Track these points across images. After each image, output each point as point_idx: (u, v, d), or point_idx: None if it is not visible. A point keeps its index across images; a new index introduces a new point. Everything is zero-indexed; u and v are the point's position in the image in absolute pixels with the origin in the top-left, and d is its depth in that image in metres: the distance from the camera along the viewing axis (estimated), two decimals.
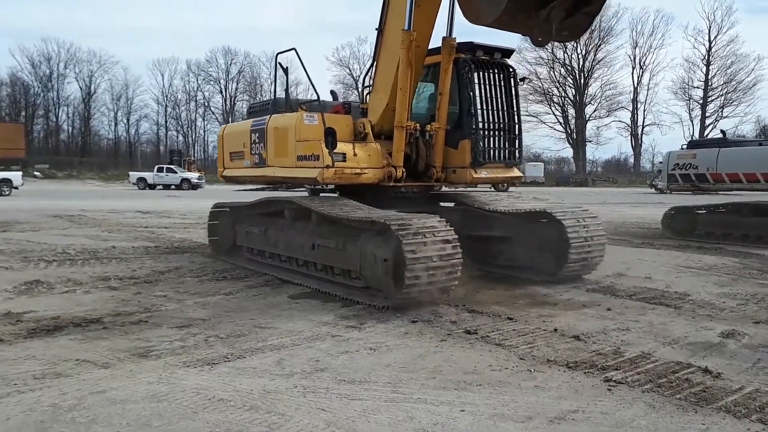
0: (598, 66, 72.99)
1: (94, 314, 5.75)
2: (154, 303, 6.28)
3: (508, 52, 8.33)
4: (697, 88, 71.14)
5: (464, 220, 7.95)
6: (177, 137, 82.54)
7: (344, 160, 7.23)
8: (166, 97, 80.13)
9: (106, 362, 4.30)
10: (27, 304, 6.14)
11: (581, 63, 73.21)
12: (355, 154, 7.35)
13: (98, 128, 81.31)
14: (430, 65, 7.90)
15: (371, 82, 8.00)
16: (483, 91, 8.03)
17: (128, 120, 79.63)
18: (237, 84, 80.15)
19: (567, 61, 73.73)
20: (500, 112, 8.14)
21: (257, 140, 8.45)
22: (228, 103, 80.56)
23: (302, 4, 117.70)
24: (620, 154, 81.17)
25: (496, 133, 8.13)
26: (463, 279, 6.18)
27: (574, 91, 74.66)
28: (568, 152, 77.96)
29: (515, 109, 8.33)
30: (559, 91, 75.30)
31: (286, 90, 8.72)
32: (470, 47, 7.98)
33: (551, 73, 74.21)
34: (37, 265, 8.53)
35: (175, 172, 45.54)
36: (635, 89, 73.61)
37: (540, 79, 74.15)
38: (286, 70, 8.49)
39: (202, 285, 7.36)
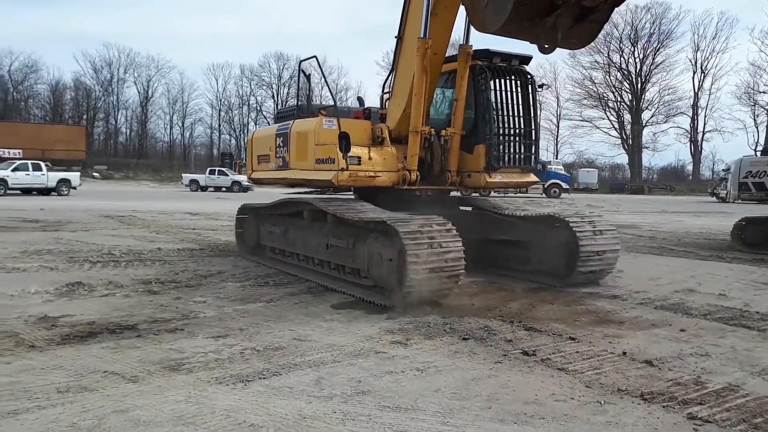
0: (656, 70, 70.71)
1: (130, 320, 5.53)
2: (193, 309, 6.03)
3: (526, 59, 8.37)
4: (763, 92, 67.72)
5: (480, 223, 8.28)
6: (229, 141, 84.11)
7: (359, 164, 7.44)
8: (220, 101, 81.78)
9: (135, 375, 4.02)
10: (65, 308, 5.98)
11: (638, 67, 70.96)
12: (370, 158, 7.54)
13: (154, 131, 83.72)
14: (449, 72, 8.01)
15: (390, 88, 8.18)
16: (499, 97, 8.16)
17: (183, 123, 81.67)
18: (288, 89, 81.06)
19: (624, 65, 71.58)
20: (517, 118, 8.25)
21: (281, 144, 8.78)
22: (279, 107, 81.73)
23: (356, 9, 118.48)
24: (678, 161, 77.78)
25: (512, 138, 8.25)
26: (516, 294, 5.72)
27: (630, 96, 72.38)
28: (623, 158, 75.66)
29: (532, 115, 8.38)
30: (615, 96, 73.21)
31: (308, 96, 9.20)
32: (487, 54, 8.10)
33: (607, 77, 72.23)
34: (81, 266, 8.46)
35: (227, 175, 46.19)
36: (696, 94, 70.73)
37: (595, 83, 72.39)
38: (308, 77, 8.89)
39: (244, 291, 7.09)
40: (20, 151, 50.33)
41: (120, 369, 4.15)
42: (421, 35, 7.10)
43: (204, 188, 45.67)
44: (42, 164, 31.12)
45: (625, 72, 71.90)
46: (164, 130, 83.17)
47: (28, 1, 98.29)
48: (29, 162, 31.16)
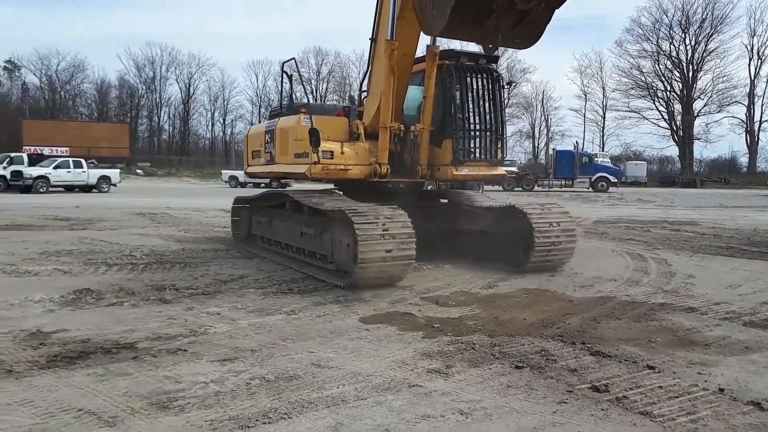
0: (709, 57, 66.99)
1: (130, 337, 4.84)
2: (203, 323, 5.31)
3: (494, 58, 8.89)
4: None
5: (451, 214, 9.02)
6: None
7: (332, 158, 7.96)
8: (260, 97, 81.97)
9: (114, 416, 3.29)
10: (63, 320, 5.34)
11: (690, 54, 67.68)
12: (342, 152, 8.05)
13: (196, 128, 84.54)
14: (421, 71, 8.31)
15: (367, 87, 8.65)
16: (466, 94, 8.54)
17: (224, 120, 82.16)
18: (327, 84, 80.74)
19: (674, 53, 68.45)
20: (483, 114, 8.63)
21: (269, 140, 9.46)
22: (319, 102, 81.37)
23: None
24: (731, 152, 73.95)
25: (479, 133, 8.65)
26: (575, 306, 4.79)
27: (681, 85, 69.15)
28: (672, 150, 72.46)
29: (500, 111, 8.78)
30: (665, 85, 70.03)
31: (290, 95, 9.74)
32: (455, 54, 8.65)
33: (656, 65, 69.18)
34: (96, 270, 7.88)
35: None
36: (752, 82, 66.78)
37: (643, 72, 69.48)
38: (290, 78, 9.56)
39: (264, 300, 6.34)
40: (67, 148, 51.34)
41: (99, 406, 3.43)
42: (388, 37, 7.54)
43: (243, 184, 45.51)
44: (83, 161, 31.33)
45: (676, 60, 68.67)
46: (206, 127, 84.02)
47: (73, 2, 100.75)
48: (71, 159, 31.45)
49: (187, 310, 5.83)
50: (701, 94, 68.25)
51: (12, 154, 31.90)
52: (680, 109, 69.29)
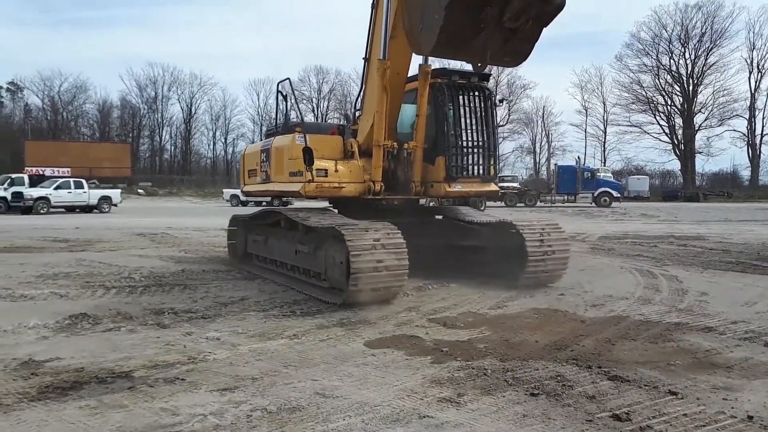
0: (709, 71, 67.16)
1: (126, 365, 4.64)
2: (202, 350, 5.10)
3: (485, 76, 8.95)
4: None
5: (446, 230, 9.12)
6: None
7: (326, 176, 8.02)
8: (261, 116, 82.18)
9: None
10: (58, 348, 5.14)
11: (690, 68, 67.86)
12: (336, 170, 8.12)
13: (198, 147, 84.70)
14: (414, 89, 8.38)
15: (361, 105, 8.76)
16: (458, 112, 8.58)
17: (226, 139, 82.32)
18: (328, 102, 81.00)
19: (674, 67, 68.65)
20: (475, 132, 8.66)
21: (265, 159, 9.55)
22: (320, 121, 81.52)
23: None
24: (732, 166, 73.72)
25: (471, 150, 8.65)
26: (587, 326, 4.56)
27: (681, 99, 69.24)
28: (674, 164, 72.29)
29: (491, 128, 8.84)
30: (665, 99, 70.13)
31: (286, 114, 9.70)
32: (446, 72, 8.74)
33: (656, 80, 69.34)
34: (94, 293, 7.68)
35: None
36: (752, 95, 66.84)
37: (643, 87, 69.61)
38: (285, 97, 9.59)
39: (266, 323, 6.14)
40: (69, 169, 51.33)
41: None
42: (381, 57, 7.70)
43: (245, 203, 45.39)
44: (84, 182, 31.24)
45: (676, 74, 68.83)
46: (207, 146, 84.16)
47: (75, 24, 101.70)
48: (71, 180, 31.37)
49: (186, 335, 5.63)
50: (702, 108, 68.39)
51: (13, 176, 31.84)
52: (681, 123, 69.36)
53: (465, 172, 8.61)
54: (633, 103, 70.66)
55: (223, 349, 5.12)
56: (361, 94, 8.69)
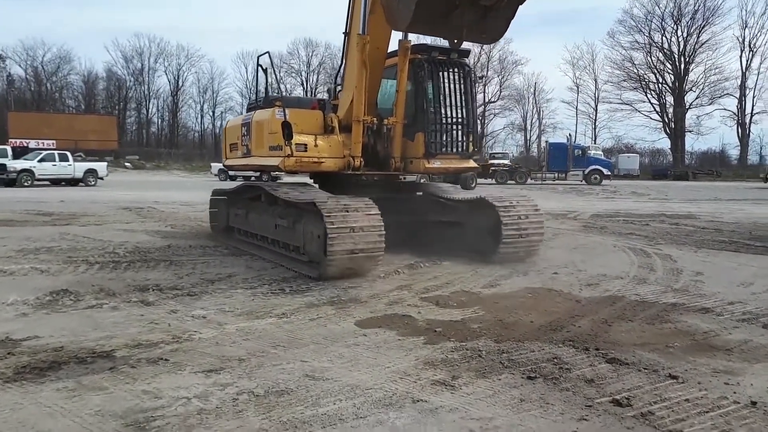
0: (701, 49, 66.83)
1: (108, 344, 4.46)
2: (188, 329, 4.93)
3: (465, 52, 8.86)
4: None
5: (424, 206, 9.14)
6: None
7: (305, 150, 8.01)
8: (250, 89, 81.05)
9: None
10: (37, 326, 4.95)
11: (682, 46, 67.54)
12: (316, 145, 8.11)
13: (185, 120, 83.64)
14: (396, 65, 8.34)
15: (341, 81, 8.70)
16: (438, 88, 8.58)
17: (214, 112, 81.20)
18: (318, 76, 79.94)
19: (666, 45, 68.28)
20: (455, 108, 8.66)
21: (245, 133, 9.54)
22: (309, 95, 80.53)
23: None
24: (721, 144, 73.96)
25: (450, 127, 8.67)
26: (583, 306, 4.43)
27: (673, 77, 69.04)
28: (664, 143, 72.39)
29: (471, 105, 8.85)
30: (657, 77, 69.90)
31: (266, 88, 9.61)
32: (426, 48, 8.61)
33: (648, 58, 68.99)
34: (76, 269, 7.47)
35: None
36: (743, 74, 66.70)
37: (635, 64, 69.29)
38: (266, 71, 9.55)
39: (253, 301, 5.97)
40: (54, 141, 50.46)
41: (66, 429, 3.06)
42: (360, 32, 7.70)
43: (233, 177, 44.92)
44: (69, 154, 30.64)
45: (668, 52, 68.48)
46: (195, 120, 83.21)
47: None
48: (56, 152, 30.72)
49: (171, 313, 5.45)
50: (693, 86, 68.28)
51: None
52: (672, 102, 69.25)
53: (444, 149, 8.62)
54: (624, 80, 70.52)
55: (209, 328, 4.96)
56: (342, 69, 8.63)
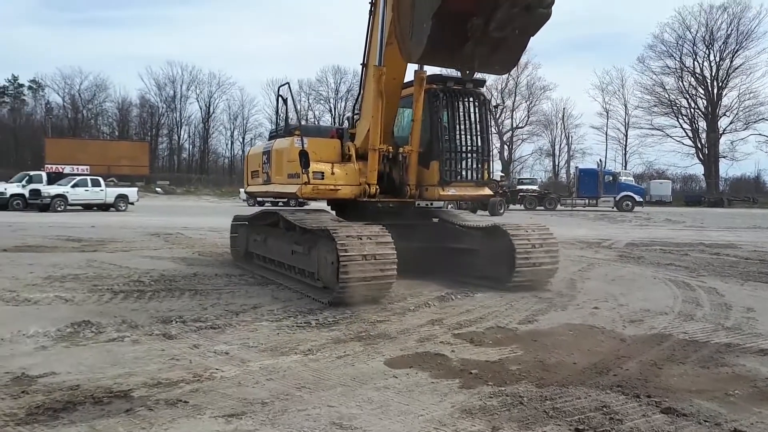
0: (734, 74, 65.84)
1: (126, 383, 4.25)
2: (210, 366, 4.70)
3: (480, 82, 9.06)
4: None
5: (439, 233, 9.19)
6: None
7: (322, 178, 8.22)
8: (285, 117, 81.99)
9: None
10: (55, 360, 4.77)
11: (715, 71, 66.52)
12: (333, 173, 8.32)
13: (216, 146, 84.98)
14: (411, 95, 8.47)
15: (359, 110, 8.94)
16: (453, 118, 8.76)
17: (243, 139, 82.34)
18: (345, 102, 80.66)
19: (698, 70, 67.32)
20: (470, 136, 8.80)
21: (266, 161, 9.79)
22: (337, 121, 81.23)
23: None
24: (756, 170, 71.95)
25: (465, 155, 8.81)
26: (629, 346, 4.07)
27: (705, 102, 67.90)
28: (696, 169, 70.80)
29: (486, 133, 8.97)
30: (689, 102, 68.81)
31: (286, 117, 9.76)
32: (441, 78, 8.80)
33: (680, 83, 68.06)
34: (101, 298, 7.33)
35: None
36: None
37: (666, 89, 68.38)
38: (285, 101, 9.65)
39: (278, 335, 5.72)
40: (88, 167, 51.54)
41: None
42: (377, 63, 7.81)
43: (261, 203, 45.20)
44: (101, 180, 31.15)
45: (700, 77, 67.59)
46: (225, 146, 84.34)
47: (96, 23, 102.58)
48: (89, 178, 31.26)
49: (193, 348, 5.24)
50: (727, 111, 67.04)
51: (31, 173, 31.90)
52: (705, 127, 68.03)
53: (459, 177, 8.74)
54: (655, 105, 69.62)
55: (231, 366, 4.72)
56: (359, 99, 8.85)
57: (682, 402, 3.96)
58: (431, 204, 10.00)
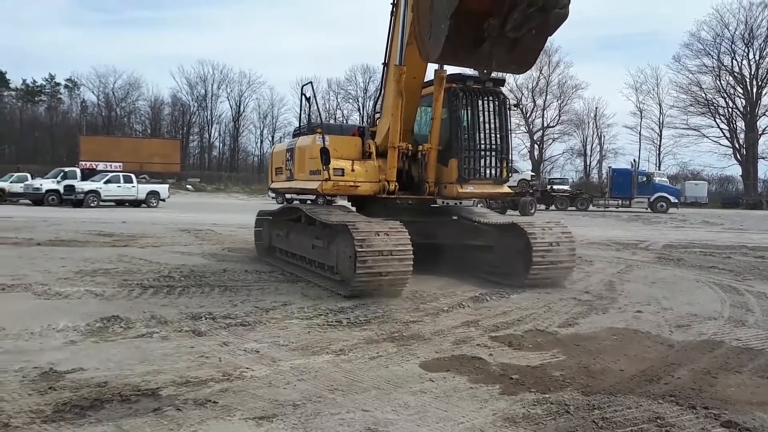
0: None
1: (155, 380, 4.13)
2: (240, 364, 4.56)
3: (500, 81, 9.22)
4: None
5: (457, 230, 9.28)
6: None
7: (343, 175, 8.43)
8: (308, 115, 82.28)
9: None
10: (84, 356, 4.68)
11: (754, 70, 64.55)
12: (353, 170, 8.53)
13: (246, 145, 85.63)
14: (431, 94, 8.63)
15: (380, 108, 9.12)
16: (472, 116, 8.88)
17: (273, 137, 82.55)
18: (374, 102, 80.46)
19: (736, 68, 65.44)
20: (489, 135, 8.91)
21: (289, 158, 9.98)
22: (365, 120, 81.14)
23: None
24: None
25: (484, 153, 8.91)
26: (677, 352, 3.80)
27: (744, 101, 65.95)
28: (734, 170, 68.79)
29: (505, 132, 9.09)
30: (726, 102, 66.91)
31: (309, 115, 9.86)
32: (461, 78, 8.89)
33: (717, 82, 66.23)
34: (130, 293, 7.28)
35: None
36: None
37: (703, 88, 66.61)
38: (309, 99, 9.70)
39: (309, 334, 5.56)
40: (120, 164, 52.40)
41: None
42: (397, 62, 7.98)
43: (290, 201, 45.37)
44: (133, 176, 31.57)
45: (738, 76, 65.57)
46: (255, 144, 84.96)
47: (130, 23, 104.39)
48: (121, 174, 31.72)
49: (223, 345, 5.10)
50: (767, 111, 64.93)
51: (65, 169, 32.52)
52: (744, 127, 66.06)
53: (477, 175, 8.85)
54: (691, 105, 67.71)
55: (262, 365, 4.57)
56: (380, 97, 9.02)
57: (743, 415, 3.67)
58: (459, 202, 10.07)
